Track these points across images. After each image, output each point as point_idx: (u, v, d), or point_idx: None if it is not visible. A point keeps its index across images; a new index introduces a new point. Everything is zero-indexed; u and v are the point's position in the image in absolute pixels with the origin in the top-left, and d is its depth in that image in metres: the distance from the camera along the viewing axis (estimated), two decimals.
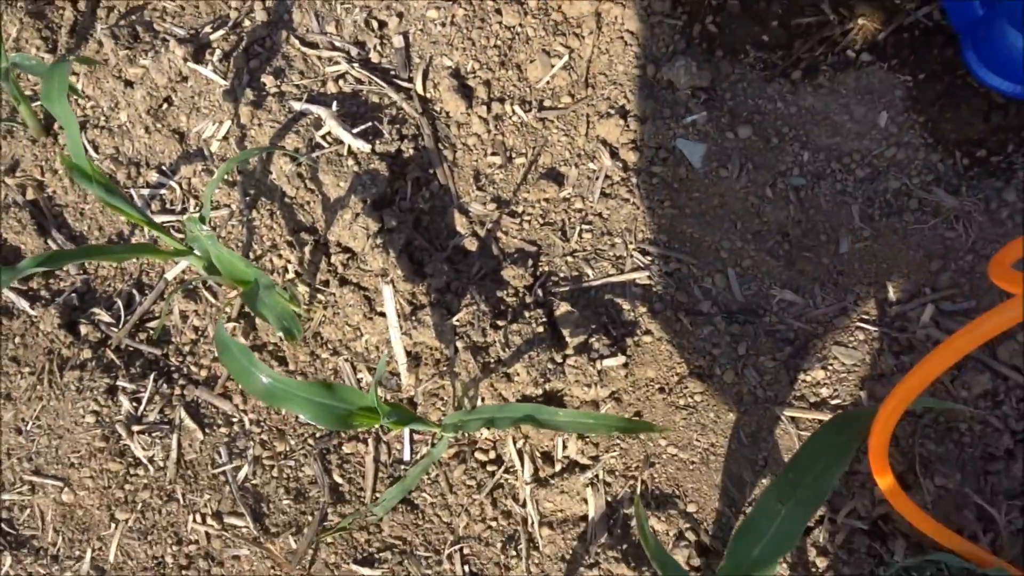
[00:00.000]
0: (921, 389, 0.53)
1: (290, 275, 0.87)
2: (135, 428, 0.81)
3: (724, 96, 0.86)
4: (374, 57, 0.95)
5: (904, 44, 0.85)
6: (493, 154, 0.89)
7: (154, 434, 0.81)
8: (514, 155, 0.88)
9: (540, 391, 0.76)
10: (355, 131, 0.89)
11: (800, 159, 0.83)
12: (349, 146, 0.89)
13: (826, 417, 0.74)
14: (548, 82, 0.90)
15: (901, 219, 0.80)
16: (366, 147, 0.88)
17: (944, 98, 0.82)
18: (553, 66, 0.90)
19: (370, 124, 0.90)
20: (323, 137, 0.90)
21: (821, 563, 0.69)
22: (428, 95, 0.92)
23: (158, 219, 0.92)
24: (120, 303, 0.88)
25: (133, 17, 1.02)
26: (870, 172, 0.82)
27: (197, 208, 0.92)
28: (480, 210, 0.87)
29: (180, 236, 0.89)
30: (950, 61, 0.82)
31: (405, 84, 0.93)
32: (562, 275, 0.83)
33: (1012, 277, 0.52)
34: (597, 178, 0.86)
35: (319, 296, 0.85)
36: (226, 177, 0.90)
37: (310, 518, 0.78)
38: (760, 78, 0.87)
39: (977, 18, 0.77)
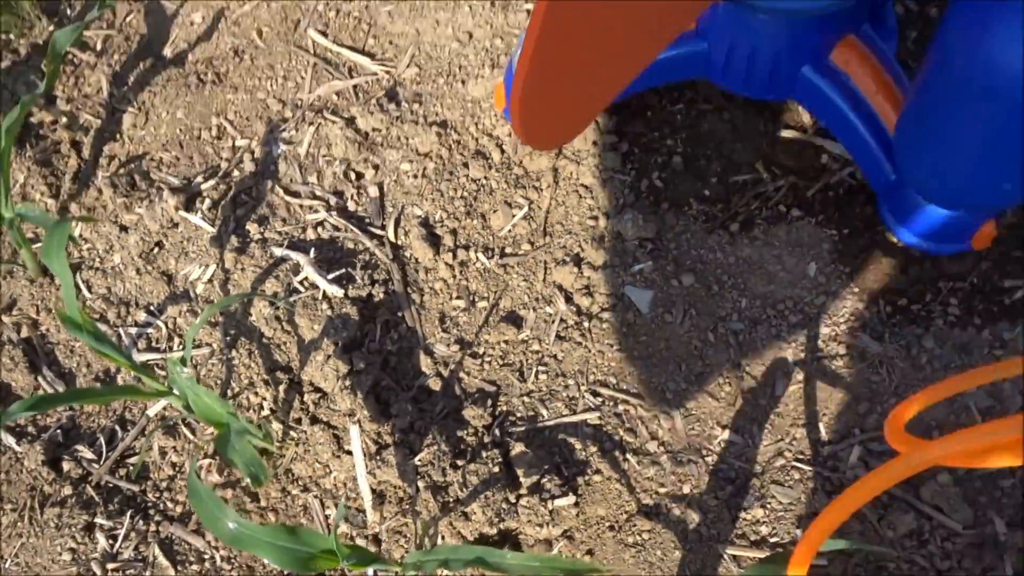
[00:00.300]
0: (821, 542, 0.58)
1: (265, 412, 0.92)
2: (110, 566, 0.85)
3: (669, 246, 0.94)
4: (351, 206, 1.03)
5: (830, 201, 0.93)
6: (458, 298, 0.95)
7: (128, 572, 0.85)
8: (477, 299, 0.95)
9: (495, 531, 0.80)
10: (330, 277, 0.96)
11: (739, 305, 0.90)
12: (324, 291, 0.95)
13: (765, 555, 0.78)
14: (510, 231, 0.98)
15: (831, 363, 0.86)
16: (339, 292, 0.95)
17: (866, 251, 0.90)
18: (514, 216, 0.98)
19: (344, 271, 0.97)
20: (300, 282, 0.97)
21: None
22: (399, 242, 0.99)
23: (144, 357, 0.98)
24: (102, 439, 0.94)
25: (132, 165, 1.11)
26: (802, 318, 0.89)
27: (181, 347, 0.98)
28: (444, 351, 0.93)
29: (163, 373, 0.95)
30: (871, 218, 0.90)
31: (379, 232, 1.00)
32: (519, 415, 0.88)
33: (903, 438, 0.57)
34: (553, 322, 0.92)
35: (292, 433, 0.90)
36: (209, 319, 0.97)
37: None
38: (702, 229, 0.94)
39: (890, 182, 0.85)
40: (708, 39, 0.87)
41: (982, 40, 0.62)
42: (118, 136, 1.14)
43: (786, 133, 0.97)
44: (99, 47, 1.21)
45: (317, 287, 0.96)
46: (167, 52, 1.19)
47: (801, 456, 0.83)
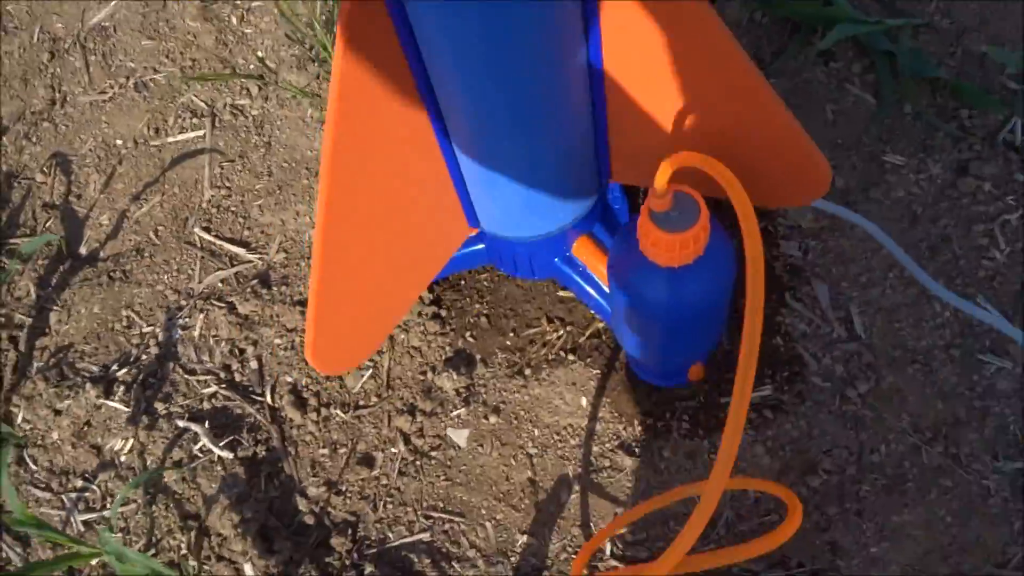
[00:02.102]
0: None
1: (183, 552, 1.19)
2: None
3: (480, 391, 1.23)
4: (237, 377, 1.31)
5: (595, 346, 1.23)
6: (324, 447, 1.23)
7: None
8: (338, 446, 1.23)
9: None
10: (221, 444, 1.23)
11: (533, 434, 1.19)
12: (218, 455, 1.23)
13: None
14: (361, 388, 1.26)
15: (599, 475, 1.15)
16: (230, 455, 1.22)
17: (622, 385, 1.19)
18: (363, 376, 1.26)
19: (233, 437, 1.24)
20: (199, 449, 1.24)
21: None
22: (276, 405, 1.27)
23: (83, 517, 1.24)
24: None
25: (60, 356, 1.37)
26: (579, 441, 1.18)
27: (111, 506, 1.24)
28: (315, 492, 1.21)
29: (100, 529, 1.21)
30: (622, 359, 1.20)
31: (259, 398, 1.28)
32: (372, 539, 1.16)
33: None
34: (396, 460, 1.20)
35: (205, 567, 1.17)
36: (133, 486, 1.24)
37: None
38: (506, 375, 1.23)
39: None
40: (484, 242, 1.17)
41: (628, 281, 0.92)
42: (47, 331, 1.40)
43: (563, 293, 1.27)
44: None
45: (213, 452, 1.23)
46: (83, 251, 1.46)
47: (578, 550, 1.12)
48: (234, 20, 1.64)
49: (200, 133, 1.53)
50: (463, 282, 1.31)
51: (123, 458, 1.27)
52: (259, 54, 1.58)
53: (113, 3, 1.69)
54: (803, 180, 0.92)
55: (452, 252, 1.13)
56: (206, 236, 1.43)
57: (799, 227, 1.26)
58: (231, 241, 1.42)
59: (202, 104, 1.56)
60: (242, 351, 1.33)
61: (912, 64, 1.32)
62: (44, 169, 1.55)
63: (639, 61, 0.86)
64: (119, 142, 1.55)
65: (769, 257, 1.24)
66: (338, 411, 1.25)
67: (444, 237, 1.10)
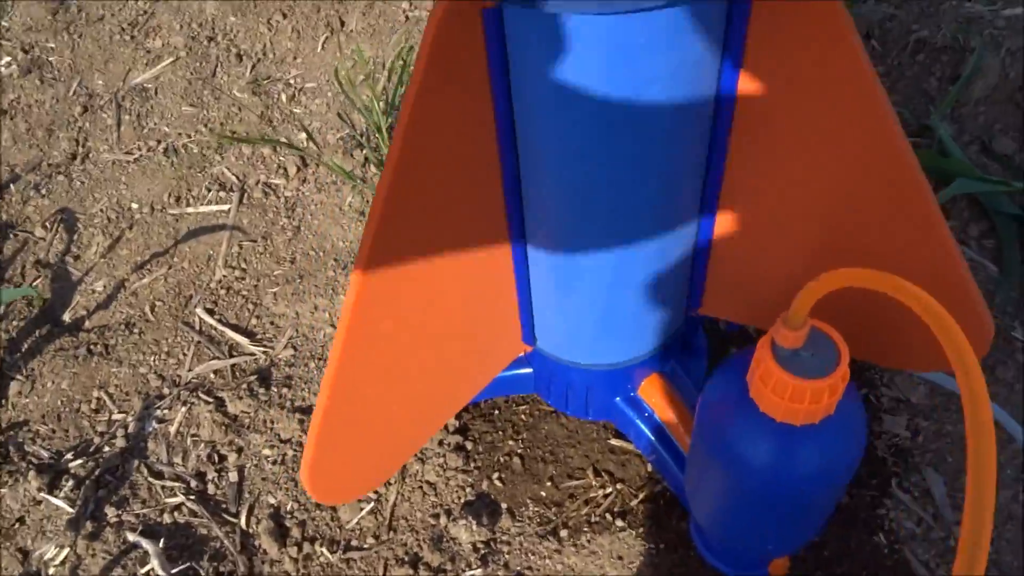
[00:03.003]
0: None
1: None
2: None
3: (502, 549, 0.99)
4: (211, 489, 1.08)
5: (651, 513, 1.00)
6: None
7: None
8: None
9: None
10: (175, 570, 0.99)
11: None
12: None
13: None
14: (357, 523, 1.03)
15: None
16: None
17: (680, 566, 0.95)
18: (363, 509, 1.03)
19: (190, 564, 1.00)
20: (146, 574, 1.00)
21: None
22: (250, 530, 1.04)
23: None
24: None
25: (10, 433, 1.15)
26: None
27: None
28: None
29: None
30: (684, 533, 0.97)
31: (232, 519, 1.05)
32: None
33: None
34: None
35: None
36: None
37: None
38: (535, 533, 1.00)
39: None
40: (533, 366, 0.97)
41: (724, 434, 0.71)
42: (3, 402, 1.19)
43: (616, 441, 1.05)
44: (1, 310, 1.28)
45: None
46: (66, 317, 1.27)
47: None
48: (284, 98, 1.52)
49: (225, 207, 1.37)
50: (497, 411, 1.10)
51: (52, 570, 1.03)
52: (305, 133, 1.45)
53: (161, 66, 1.58)
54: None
55: (495, 373, 0.93)
56: (208, 319, 1.24)
57: (908, 401, 1.05)
58: (235, 328, 1.23)
59: (233, 177, 1.41)
60: (222, 458, 1.10)
61: None
62: (46, 224, 1.39)
63: (775, 162, 0.69)
64: (135, 206, 1.39)
65: (869, 433, 1.03)
66: (324, 549, 1.01)
67: (490, 353, 0.90)
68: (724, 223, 0.78)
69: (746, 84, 0.64)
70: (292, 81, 1.54)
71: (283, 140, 1.44)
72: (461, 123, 0.63)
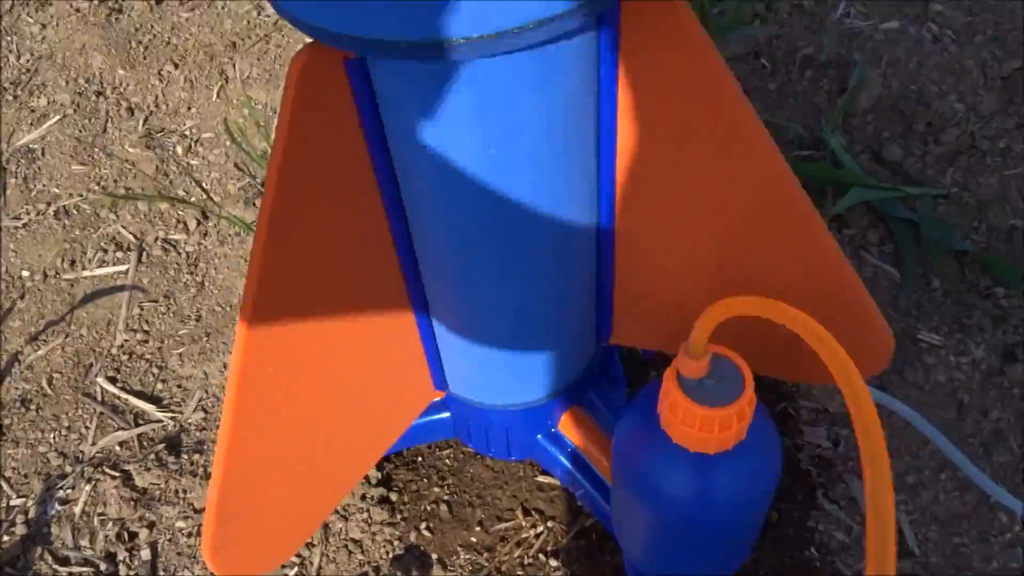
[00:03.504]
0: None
1: None
2: None
3: None
4: (123, 571, 1.02)
5: (583, 549, 0.98)
6: None
7: None
8: None
9: None
10: None
11: None
12: None
13: None
14: None
15: None
16: None
17: None
18: (287, 575, 0.99)
19: None
20: None
21: None
22: None
23: None
24: None
25: None
26: None
27: None
28: None
29: None
30: (619, 567, 0.96)
31: None
32: None
33: None
34: None
35: None
36: None
37: None
38: None
39: None
40: (449, 410, 0.94)
41: (641, 468, 0.70)
42: None
43: (543, 478, 1.03)
44: None
45: None
46: None
47: None
48: (179, 150, 1.47)
49: (122, 268, 1.32)
50: (420, 459, 1.07)
51: None
52: (204, 186, 1.41)
53: (47, 124, 1.51)
54: (860, 350, 0.73)
55: (409, 422, 0.90)
56: (110, 388, 1.18)
57: (826, 411, 1.06)
58: (140, 395, 1.17)
59: (130, 236, 1.36)
60: (133, 536, 1.05)
61: (937, 235, 1.18)
62: None
63: (662, 193, 0.69)
64: (25, 273, 1.32)
65: (791, 446, 1.04)
66: None
67: (400, 403, 0.87)
68: (623, 255, 0.78)
69: (624, 118, 0.63)
70: (187, 133, 1.49)
71: (180, 194, 1.40)
72: (336, 180, 0.61)
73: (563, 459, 0.92)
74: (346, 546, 1.00)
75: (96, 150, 1.48)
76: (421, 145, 0.58)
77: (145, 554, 1.02)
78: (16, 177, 1.45)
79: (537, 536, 1.00)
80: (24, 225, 1.39)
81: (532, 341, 0.78)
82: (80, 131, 1.51)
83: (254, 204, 1.37)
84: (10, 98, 1.57)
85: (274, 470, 0.74)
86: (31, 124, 1.53)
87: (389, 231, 0.69)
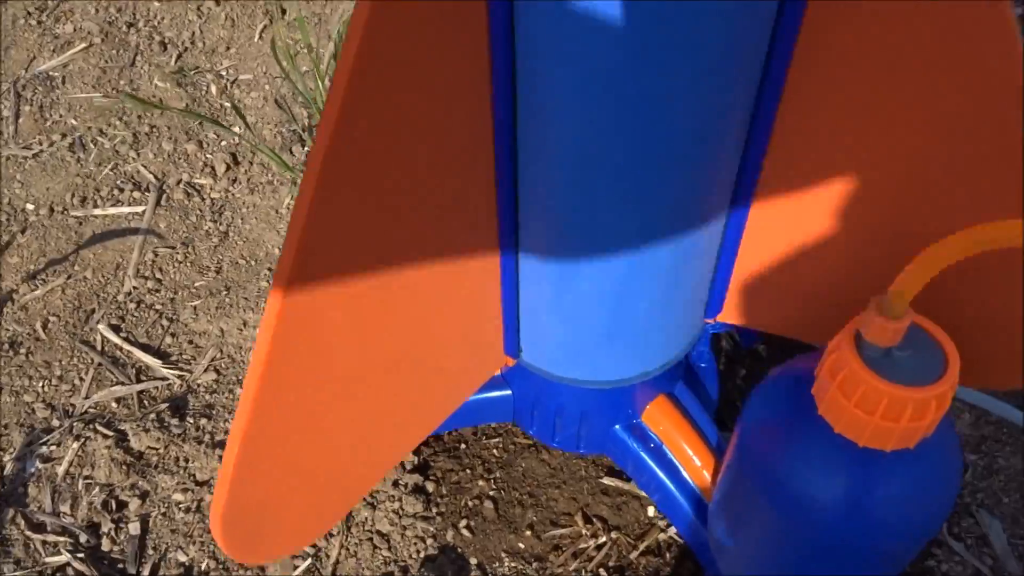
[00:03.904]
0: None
1: None
2: None
3: None
4: (105, 545, 0.87)
5: (653, 569, 0.82)
6: None
7: None
8: None
9: None
10: None
11: None
12: None
13: None
14: None
15: None
16: None
17: None
18: (296, 567, 0.84)
19: None
20: None
21: None
22: None
23: None
24: None
25: None
26: None
27: None
28: None
29: None
30: None
31: None
32: None
33: None
34: None
35: None
36: None
37: None
38: None
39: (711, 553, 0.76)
40: (512, 387, 0.79)
41: (780, 468, 0.54)
42: None
43: (609, 480, 0.88)
44: None
45: None
46: None
47: None
48: (214, 90, 1.34)
49: (139, 209, 1.18)
50: (464, 446, 0.92)
51: None
52: (237, 129, 1.27)
53: (71, 52, 1.38)
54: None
55: (468, 393, 0.75)
56: (112, 337, 1.03)
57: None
58: (145, 349, 1.03)
59: (150, 176, 1.22)
60: (121, 505, 0.90)
61: None
62: None
63: (837, 134, 0.54)
64: (30, 207, 1.19)
65: None
66: None
67: (461, 371, 0.72)
68: (761, 210, 0.63)
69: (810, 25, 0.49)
70: (224, 73, 1.36)
71: (208, 117, 1.26)
72: (433, 84, 0.46)
73: (644, 455, 0.77)
74: (371, 539, 0.85)
75: (122, 83, 1.35)
76: (561, 43, 0.44)
77: (134, 528, 0.87)
78: (31, 104, 1.32)
79: (598, 548, 0.84)
80: (35, 155, 1.25)
81: (638, 303, 0.64)
82: (106, 62, 1.37)
83: (291, 150, 1.23)
84: (33, 23, 1.44)
85: (303, 440, 0.59)
86: (53, 51, 1.40)
87: (488, 156, 0.54)
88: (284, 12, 1.44)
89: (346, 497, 0.70)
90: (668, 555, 0.83)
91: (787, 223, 0.64)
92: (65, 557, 0.85)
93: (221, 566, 0.85)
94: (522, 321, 0.69)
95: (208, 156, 1.24)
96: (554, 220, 0.58)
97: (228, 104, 1.32)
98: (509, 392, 0.80)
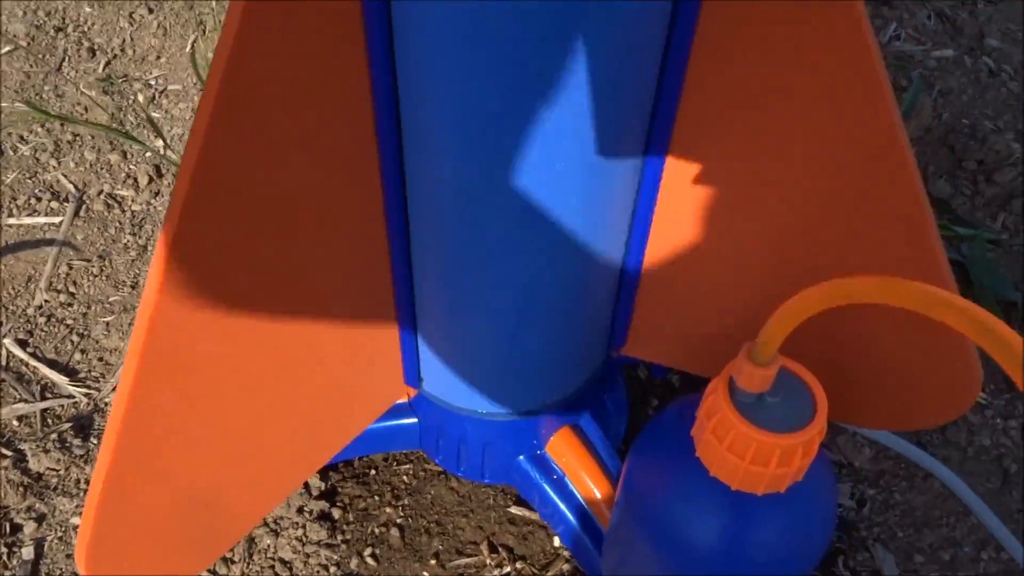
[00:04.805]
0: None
1: None
2: None
3: None
4: None
5: None
6: None
7: None
8: None
9: None
10: None
11: None
12: None
13: None
14: None
15: None
16: None
17: None
18: None
19: None
20: None
21: None
22: None
23: None
24: None
25: None
26: None
27: None
28: None
29: None
30: None
31: None
32: None
33: None
34: None
35: None
36: None
37: None
38: None
39: None
40: (417, 415, 0.80)
41: (660, 508, 0.56)
42: None
43: (516, 510, 0.89)
44: None
45: None
46: None
47: None
48: (141, 99, 1.33)
49: (55, 220, 1.17)
50: (373, 472, 0.92)
51: None
52: (161, 141, 1.26)
53: None
54: (948, 382, 0.61)
55: (368, 421, 0.76)
56: (19, 353, 1.02)
57: (851, 465, 0.93)
58: (52, 365, 1.01)
59: (70, 186, 1.21)
60: (16, 528, 0.88)
61: (988, 281, 1.07)
62: None
63: (727, 160, 0.56)
64: None
65: None
66: None
67: (361, 396, 0.73)
68: (657, 249, 0.65)
69: (696, 66, 0.51)
70: (152, 82, 1.35)
71: (121, 131, 1.25)
72: (317, 75, 0.47)
73: (546, 487, 0.78)
74: (272, 567, 0.85)
75: (47, 88, 1.33)
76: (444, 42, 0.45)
77: (27, 552, 0.86)
78: None
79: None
80: None
81: (535, 334, 0.65)
82: (31, 66, 1.36)
83: None
84: None
85: (178, 467, 0.59)
86: None
87: (374, 178, 0.55)
88: (218, 23, 1.44)
89: (237, 525, 0.70)
90: None
91: (684, 261, 0.65)
92: None
93: None
94: (421, 352, 0.70)
95: (132, 167, 1.23)
96: (443, 253, 0.59)
97: (157, 114, 1.31)
98: (415, 420, 0.81)
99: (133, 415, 0.52)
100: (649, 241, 0.64)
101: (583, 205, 0.55)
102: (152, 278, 0.48)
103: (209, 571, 0.85)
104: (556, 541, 0.87)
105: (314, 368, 0.63)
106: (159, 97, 1.33)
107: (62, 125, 1.28)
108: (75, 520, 0.88)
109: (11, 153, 1.25)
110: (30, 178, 1.22)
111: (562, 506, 0.78)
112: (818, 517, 0.55)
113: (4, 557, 0.86)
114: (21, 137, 1.27)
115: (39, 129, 1.28)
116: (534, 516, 0.88)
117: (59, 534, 0.88)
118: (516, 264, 0.59)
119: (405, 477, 0.92)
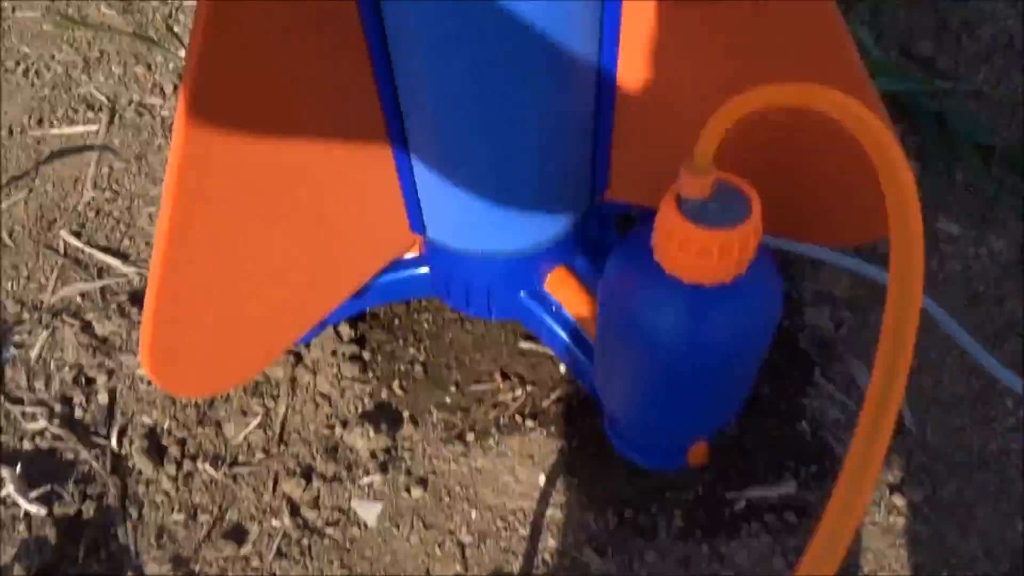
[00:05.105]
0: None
1: None
2: None
3: (403, 456, 1.03)
4: (78, 413, 1.09)
5: (563, 412, 1.05)
6: (179, 512, 1.00)
7: None
8: (200, 512, 1.00)
9: None
10: (32, 495, 1.00)
11: (469, 517, 0.98)
12: (25, 510, 0.99)
13: None
14: (244, 439, 1.05)
15: None
16: (42, 511, 0.99)
17: (595, 463, 1.00)
18: (249, 424, 1.06)
19: (50, 487, 1.01)
20: (2, 499, 1.00)
21: None
22: (123, 452, 1.05)
23: None
24: None
25: None
26: (530, 531, 0.97)
27: None
28: (156, 570, 0.97)
29: None
30: (599, 429, 1.02)
31: (102, 441, 1.06)
32: None
33: None
34: (275, 536, 0.98)
35: None
36: None
37: None
38: (439, 439, 1.04)
39: None
40: (429, 264, 1.01)
41: (628, 306, 0.75)
42: None
43: (525, 344, 1.10)
44: None
45: (19, 505, 1.00)
46: None
47: None
48: (159, 17, 1.54)
49: (93, 128, 1.39)
50: (397, 320, 1.14)
51: None
52: (182, 53, 1.47)
53: None
54: (866, 207, 0.78)
55: (381, 264, 0.96)
56: (74, 242, 1.25)
57: (830, 294, 1.12)
58: (105, 250, 1.24)
59: (102, 98, 1.43)
60: (90, 381, 1.11)
61: (965, 128, 1.24)
62: None
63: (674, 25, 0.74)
64: None
65: (791, 327, 1.10)
66: (207, 466, 1.03)
67: (372, 240, 0.94)
68: (627, 83, 0.83)
69: None
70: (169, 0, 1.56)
71: (152, 39, 1.46)
72: None
73: (548, 319, 0.99)
74: (313, 399, 1.07)
75: (70, 9, 1.55)
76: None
77: (102, 398, 1.09)
78: None
79: (515, 399, 1.06)
80: None
81: (519, 181, 0.84)
82: None
83: None
84: None
85: (219, 280, 0.77)
86: None
87: (367, 52, 0.74)
88: None
89: (272, 343, 0.91)
90: (575, 403, 1.05)
91: (650, 104, 0.83)
92: (43, 423, 1.07)
93: (181, 426, 1.07)
94: (422, 199, 0.90)
95: (158, 78, 1.45)
96: (427, 118, 0.78)
97: (176, 28, 1.52)
98: (426, 269, 1.01)
99: (175, 235, 0.71)
100: (617, 85, 0.83)
101: (550, 43, 0.75)
102: (178, 122, 0.67)
103: (259, 404, 1.07)
104: (562, 368, 1.08)
105: (330, 209, 0.83)
106: (176, 13, 1.54)
107: (88, 44, 1.50)
108: (141, 372, 1.11)
109: (45, 72, 1.47)
110: (65, 92, 1.44)
111: (559, 331, 0.98)
112: (763, 305, 0.73)
113: (83, 403, 1.09)
114: (52, 56, 1.49)
115: (67, 48, 1.50)
116: (542, 349, 1.09)
117: (127, 383, 1.11)
118: (495, 124, 0.77)
119: (425, 324, 1.13)
